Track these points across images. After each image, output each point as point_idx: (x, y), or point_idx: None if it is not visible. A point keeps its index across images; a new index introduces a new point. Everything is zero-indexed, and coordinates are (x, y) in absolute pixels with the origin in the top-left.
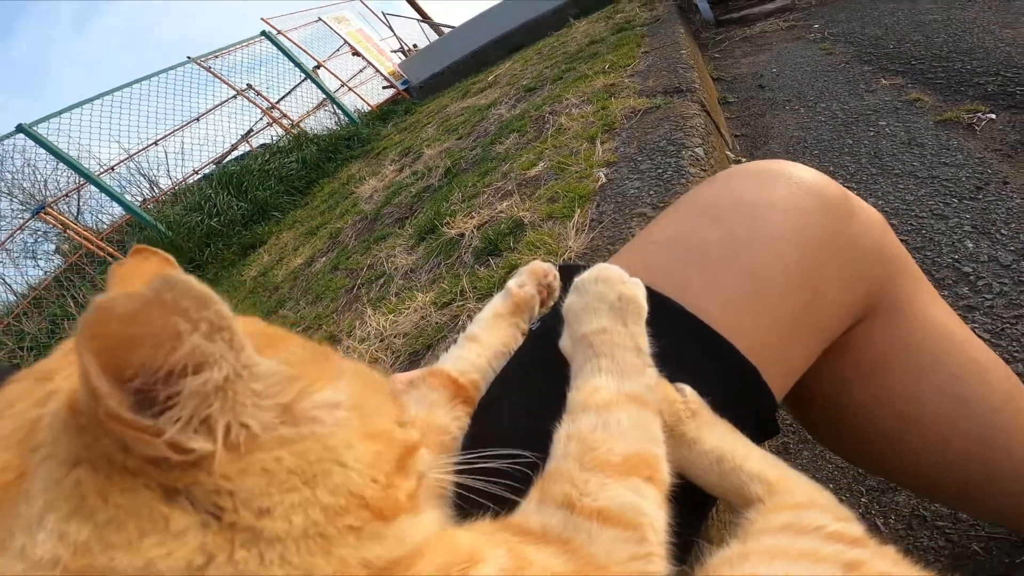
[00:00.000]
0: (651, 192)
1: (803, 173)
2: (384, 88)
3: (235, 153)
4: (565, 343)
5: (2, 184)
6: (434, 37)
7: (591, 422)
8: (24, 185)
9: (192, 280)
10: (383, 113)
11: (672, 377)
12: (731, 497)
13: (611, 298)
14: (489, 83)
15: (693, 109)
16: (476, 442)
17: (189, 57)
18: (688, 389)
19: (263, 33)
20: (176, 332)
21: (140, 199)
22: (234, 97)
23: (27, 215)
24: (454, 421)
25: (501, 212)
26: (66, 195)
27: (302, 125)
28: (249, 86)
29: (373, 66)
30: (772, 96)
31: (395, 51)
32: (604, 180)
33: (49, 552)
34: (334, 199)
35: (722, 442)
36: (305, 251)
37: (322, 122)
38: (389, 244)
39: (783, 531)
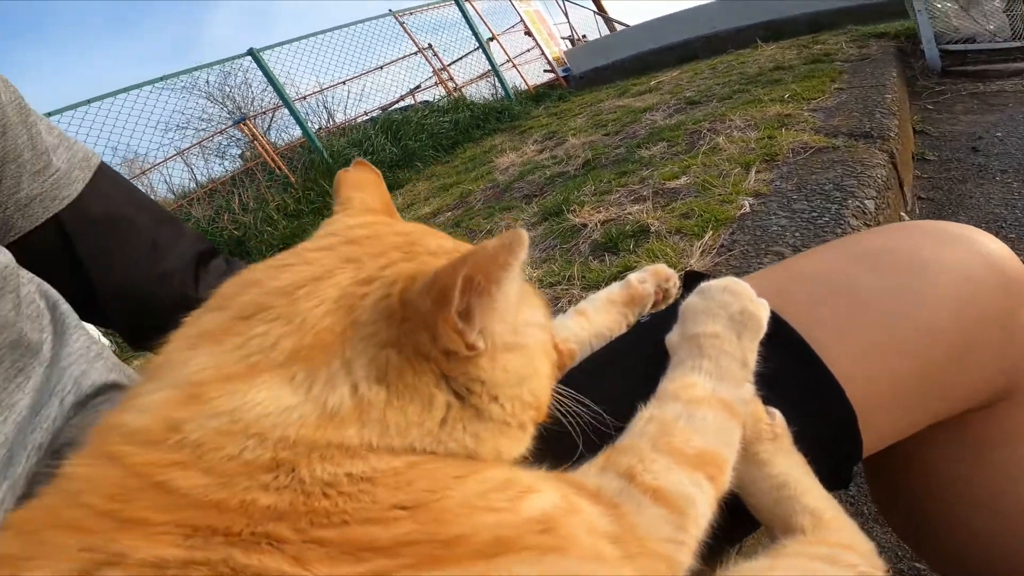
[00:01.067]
0: (796, 234)
1: (988, 243)
2: (545, 71)
3: (400, 104)
4: (673, 338)
5: (221, 94)
6: (606, 32)
7: (676, 411)
8: (236, 98)
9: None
10: (537, 95)
11: (767, 400)
12: (777, 525)
13: (733, 309)
14: (650, 87)
15: (878, 158)
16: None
17: (391, 11)
18: (778, 414)
19: None
20: (510, 262)
21: (317, 127)
22: (415, 54)
23: (230, 122)
24: None
25: (629, 214)
26: (264, 112)
27: (463, 91)
28: (429, 46)
29: (540, 48)
30: (984, 163)
31: (564, 38)
32: (747, 209)
33: (338, 403)
34: (473, 164)
35: (790, 470)
36: (434, 203)
37: (481, 91)
38: (512, 216)
39: (816, 559)
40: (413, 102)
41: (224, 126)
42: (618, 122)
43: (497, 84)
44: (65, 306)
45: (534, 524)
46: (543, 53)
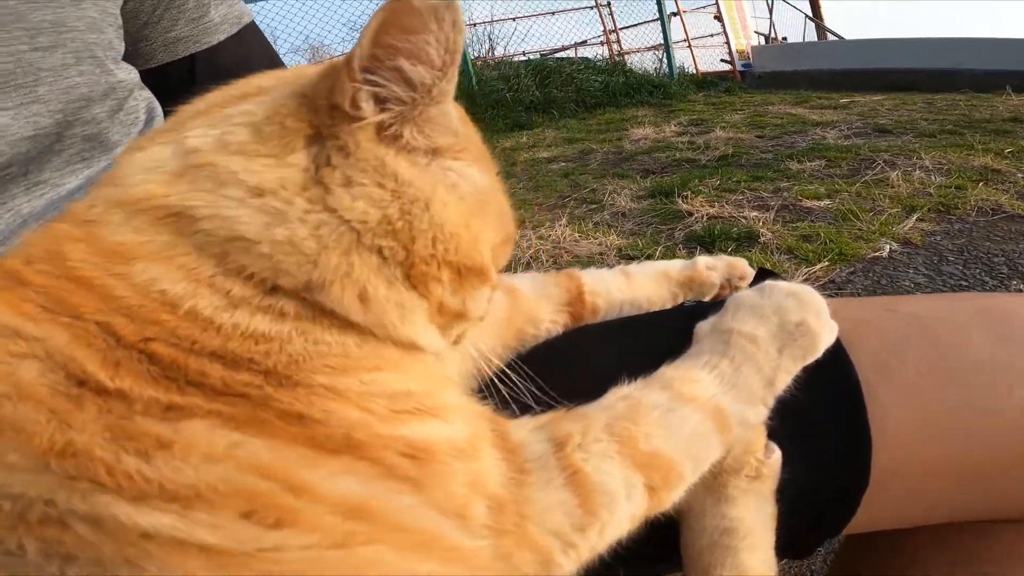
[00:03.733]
0: None
1: None
2: (722, 60)
3: (562, 54)
4: (704, 327)
5: None
6: (813, 38)
7: (658, 400)
8: None
9: (460, 17)
10: (703, 81)
11: (775, 432)
12: (697, 573)
13: (790, 318)
14: (836, 104)
15: None
16: (550, 351)
17: None
18: (776, 454)
19: None
20: (424, 30)
21: (474, 55)
22: (591, 8)
23: None
24: (549, 322)
25: (744, 217)
26: None
27: (626, 57)
28: (608, 3)
29: (726, 36)
30: None
31: (758, 32)
32: (885, 253)
33: (222, 140)
34: (607, 127)
35: (750, 520)
36: (555, 150)
37: (644, 62)
38: (622, 184)
39: None
40: (574, 55)
41: None
42: (779, 128)
43: (663, 60)
44: (160, 120)
45: (405, 446)
46: (727, 41)
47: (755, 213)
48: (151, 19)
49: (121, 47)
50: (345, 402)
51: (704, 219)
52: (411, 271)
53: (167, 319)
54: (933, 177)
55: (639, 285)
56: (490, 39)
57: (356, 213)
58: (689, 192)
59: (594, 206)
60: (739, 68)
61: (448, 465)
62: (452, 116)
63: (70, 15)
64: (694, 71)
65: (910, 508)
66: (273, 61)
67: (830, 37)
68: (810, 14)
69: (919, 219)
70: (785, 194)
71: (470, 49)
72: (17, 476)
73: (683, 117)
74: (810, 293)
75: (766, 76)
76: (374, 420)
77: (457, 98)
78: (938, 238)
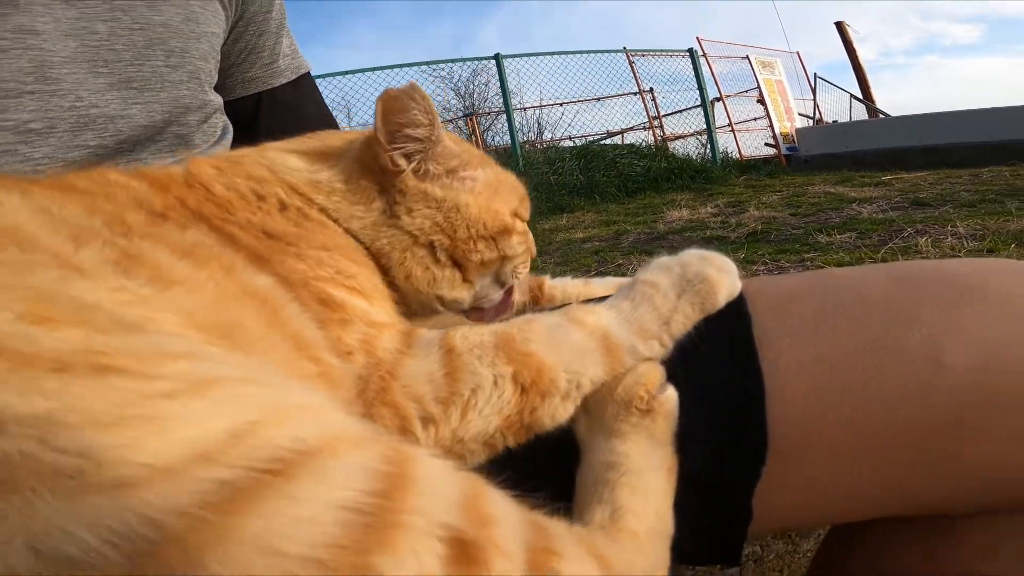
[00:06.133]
0: None
1: None
2: (766, 144)
3: (607, 141)
4: (623, 282)
5: (465, 90)
6: (860, 117)
7: (550, 321)
8: (474, 95)
9: (422, 91)
10: (746, 165)
11: (674, 376)
12: (578, 508)
13: (692, 271)
14: (878, 182)
15: None
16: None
17: (624, 48)
18: (670, 391)
19: (689, 51)
20: (409, 108)
21: (523, 139)
22: (634, 94)
23: (460, 114)
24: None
25: None
26: (488, 113)
27: (673, 142)
28: (651, 90)
29: (770, 120)
30: None
31: (803, 115)
32: None
33: (319, 178)
34: (645, 210)
35: (635, 457)
36: (591, 231)
37: (687, 146)
38: (647, 259)
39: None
40: (620, 141)
41: (456, 116)
42: (815, 206)
43: (706, 146)
44: (230, 139)
45: (324, 295)
46: (771, 125)
47: None
48: (236, 61)
49: (215, 77)
50: (298, 260)
51: None
52: (455, 251)
53: (240, 202)
54: (965, 243)
55: (595, 288)
56: (539, 124)
57: (416, 226)
58: None
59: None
60: (784, 151)
61: (351, 321)
62: (450, 147)
63: (191, 46)
64: (737, 155)
65: (827, 467)
66: (319, 105)
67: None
68: (859, 94)
69: None
70: (808, 264)
71: (520, 133)
72: None
73: (721, 200)
74: (718, 256)
75: (812, 159)
76: (313, 274)
77: None
78: None
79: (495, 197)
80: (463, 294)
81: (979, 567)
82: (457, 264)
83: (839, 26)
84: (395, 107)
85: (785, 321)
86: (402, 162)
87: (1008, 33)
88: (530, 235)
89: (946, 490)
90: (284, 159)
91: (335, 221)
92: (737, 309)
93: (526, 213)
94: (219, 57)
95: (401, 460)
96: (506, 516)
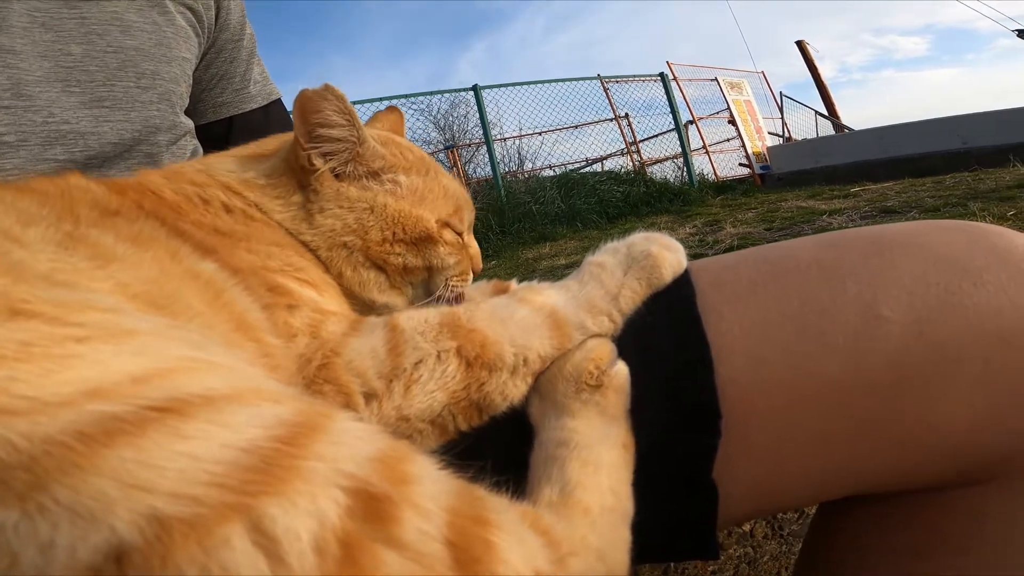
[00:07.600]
0: None
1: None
2: (740, 165)
3: (586, 169)
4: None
5: (445, 122)
6: (827, 133)
7: (498, 302)
8: (453, 127)
9: (338, 90)
10: (721, 186)
11: (625, 350)
12: (531, 486)
13: (638, 249)
14: (847, 194)
15: None
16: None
17: (599, 75)
18: (623, 369)
19: (661, 75)
20: (322, 108)
21: (504, 169)
22: (610, 120)
23: (441, 146)
24: (479, 296)
25: None
26: (469, 145)
27: (651, 167)
28: (626, 115)
29: (742, 140)
30: None
31: (772, 133)
32: None
33: (248, 176)
34: (626, 234)
35: (585, 433)
36: (573, 259)
37: (664, 170)
38: None
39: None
40: (600, 168)
41: (436, 149)
42: (788, 220)
43: (683, 168)
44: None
45: (272, 284)
46: (743, 146)
47: None
48: (208, 86)
49: (187, 101)
50: (249, 253)
51: None
52: (369, 252)
53: (188, 205)
54: None
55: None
56: (519, 154)
57: (327, 227)
58: None
59: None
60: (758, 171)
61: (299, 307)
62: (376, 148)
63: (163, 69)
64: (714, 176)
65: (775, 432)
66: (286, 129)
67: (846, 132)
68: (824, 111)
69: None
70: None
71: (501, 164)
72: None
73: (699, 220)
74: (667, 238)
75: (786, 176)
76: (262, 264)
77: (486, 211)
78: None
79: (420, 203)
80: (395, 299)
81: (963, 540)
82: (378, 267)
83: (800, 45)
84: (309, 107)
85: (724, 290)
86: (318, 161)
87: (953, 44)
88: (473, 249)
89: (897, 454)
90: (220, 162)
91: (265, 214)
92: (682, 281)
93: (461, 225)
94: (191, 82)
95: (316, 414)
96: (429, 478)
